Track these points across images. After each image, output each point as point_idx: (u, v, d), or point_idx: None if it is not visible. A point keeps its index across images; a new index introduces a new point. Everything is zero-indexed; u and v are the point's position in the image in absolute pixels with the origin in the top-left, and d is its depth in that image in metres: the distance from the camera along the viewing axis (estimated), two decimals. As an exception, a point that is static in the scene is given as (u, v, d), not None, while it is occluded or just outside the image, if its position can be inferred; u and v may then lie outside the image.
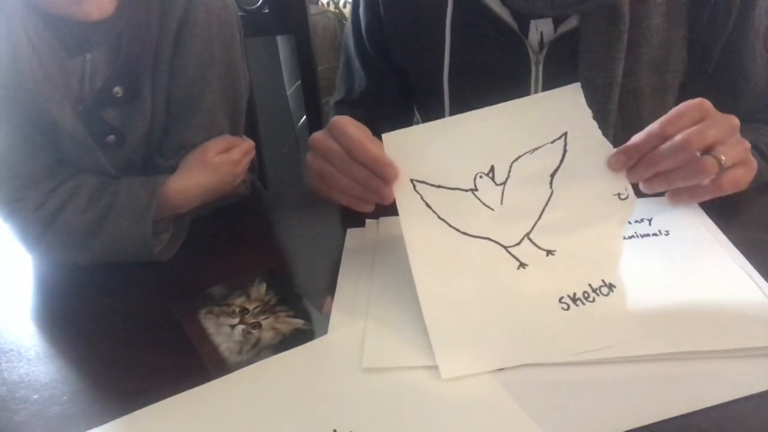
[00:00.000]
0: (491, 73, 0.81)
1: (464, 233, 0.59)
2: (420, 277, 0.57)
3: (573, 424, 0.45)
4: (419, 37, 0.84)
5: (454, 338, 0.53)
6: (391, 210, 0.74)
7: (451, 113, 0.85)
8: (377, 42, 0.89)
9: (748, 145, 0.61)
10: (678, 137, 0.57)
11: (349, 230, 0.73)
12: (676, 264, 0.59)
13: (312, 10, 1.69)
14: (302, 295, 0.63)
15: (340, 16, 2.11)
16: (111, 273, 0.70)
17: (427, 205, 0.60)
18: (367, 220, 0.73)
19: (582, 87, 0.74)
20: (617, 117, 0.78)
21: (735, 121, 0.60)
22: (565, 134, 0.61)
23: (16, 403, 0.53)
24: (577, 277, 0.55)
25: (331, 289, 0.62)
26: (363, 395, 0.49)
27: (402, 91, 0.94)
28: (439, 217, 0.60)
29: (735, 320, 0.52)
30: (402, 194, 0.60)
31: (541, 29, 0.78)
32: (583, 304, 0.53)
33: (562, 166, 0.60)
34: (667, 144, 0.58)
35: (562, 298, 0.54)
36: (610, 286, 0.54)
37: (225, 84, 0.78)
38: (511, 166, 0.60)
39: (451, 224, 0.59)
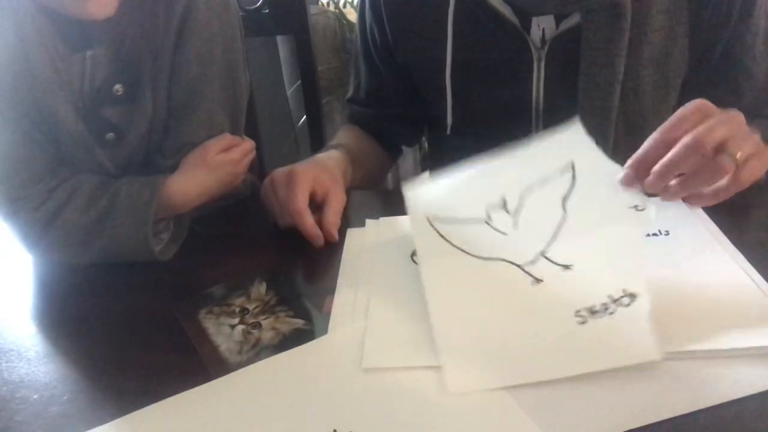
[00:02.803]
0: (493, 70, 0.81)
1: (478, 257, 0.60)
2: (432, 296, 0.57)
3: (573, 424, 0.45)
4: (422, 34, 0.84)
5: (463, 354, 0.52)
6: (391, 210, 0.74)
7: (454, 111, 0.85)
8: (380, 41, 0.89)
9: (757, 136, 0.59)
10: (687, 138, 0.55)
11: (349, 230, 0.73)
12: (676, 264, 0.59)
13: (312, 10, 1.68)
14: (302, 295, 0.63)
15: (340, 16, 2.11)
16: (111, 273, 0.70)
17: (442, 236, 0.62)
18: (367, 220, 0.74)
19: (583, 84, 0.74)
20: (619, 115, 0.78)
21: (740, 116, 0.59)
22: (572, 163, 0.61)
23: (16, 403, 0.53)
24: (595, 289, 0.54)
25: (331, 289, 0.62)
26: (363, 395, 0.49)
27: (405, 92, 0.94)
28: (453, 245, 0.61)
29: (735, 320, 0.52)
30: (418, 230, 0.63)
31: (542, 26, 0.78)
32: (602, 317, 0.52)
33: (573, 191, 0.60)
34: (678, 147, 0.56)
35: (578, 311, 0.53)
36: (632, 296, 0.52)
37: (226, 83, 0.78)
38: (521, 196, 0.61)
39: (465, 250, 0.61)
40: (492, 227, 0.61)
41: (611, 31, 0.74)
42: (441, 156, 1.01)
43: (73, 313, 0.65)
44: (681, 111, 0.59)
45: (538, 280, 0.56)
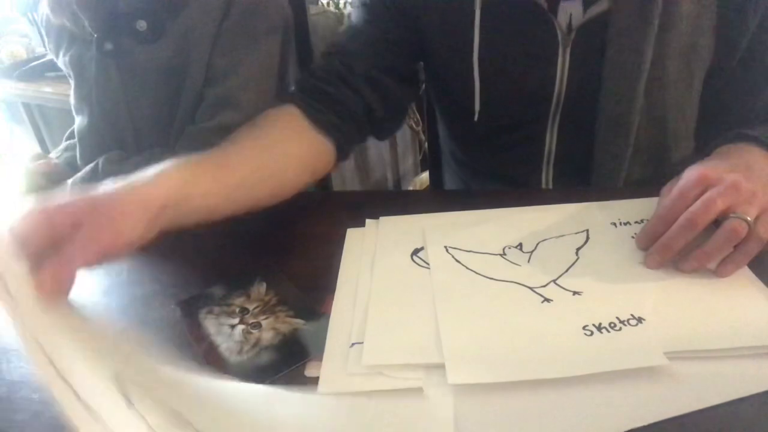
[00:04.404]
0: (519, 55, 0.80)
1: (490, 278, 0.61)
2: (441, 301, 0.58)
3: (573, 425, 0.45)
4: (448, 15, 0.82)
5: (466, 348, 0.52)
6: (391, 210, 0.74)
7: (481, 95, 0.83)
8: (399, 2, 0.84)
9: (761, 194, 0.58)
10: (682, 218, 0.57)
11: (349, 230, 0.73)
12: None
13: (312, 10, 1.69)
14: (302, 295, 0.63)
15: (340, 16, 2.11)
16: (110, 273, 0.70)
17: (457, 260, 0.64)
18: (367, 220, 0.74)
19: (609, 71, 0.75)
20: (643, 104, 0.77)
21: (742, 181, 0.57)
22: (587, 230, 0.67)
23: (17, 402, 0.53)
24: (603, 310, 0.55)
25: (331, 289, 0.63)
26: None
27: (405, 56, 0.86)
28: (467, 268, 0.63)
29: (735, 320, 0.52)
30: (434, 256, 0.65)
31: (570, 11, 0.76)
32: (609, 332, 0.52)
33: (587, 244, 0.65)
34: (673, 228, 0.57)
35: (586, 326, 0.53)
36: (639, 319, 0.53)
37: (264, 60, 0.85)
38: (537, 244, 0.66)
39: (478, 272, 0.62)
40: (506, 259, 0.64)
41: (641, 18, 0.72)
42: (458, 143, 0.99)
43: (73, 313, 0.65)
44: (681, 185, 0.59)
45: (547, 300, 0.57)
